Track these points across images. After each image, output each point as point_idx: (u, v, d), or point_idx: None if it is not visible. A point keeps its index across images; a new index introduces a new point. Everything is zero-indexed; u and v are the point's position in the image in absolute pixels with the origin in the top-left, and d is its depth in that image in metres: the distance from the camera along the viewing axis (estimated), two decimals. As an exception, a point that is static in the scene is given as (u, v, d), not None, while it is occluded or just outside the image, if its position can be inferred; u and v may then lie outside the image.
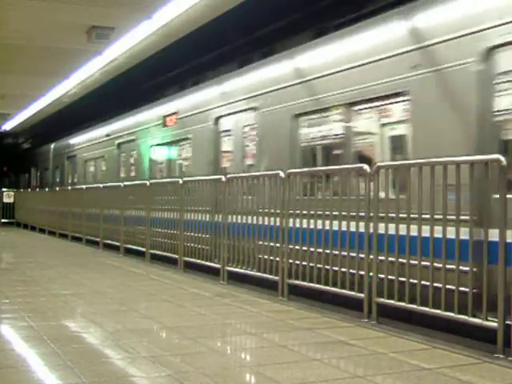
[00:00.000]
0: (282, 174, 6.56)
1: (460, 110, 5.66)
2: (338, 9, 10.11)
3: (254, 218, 7.00)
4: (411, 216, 4.91)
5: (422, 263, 4.76)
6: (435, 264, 4.64)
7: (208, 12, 10.70)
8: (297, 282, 6.27)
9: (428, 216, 4.70)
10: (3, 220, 22.72)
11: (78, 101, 19.24)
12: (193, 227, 8.57)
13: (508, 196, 4.16)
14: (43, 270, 8.92)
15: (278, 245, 6.40)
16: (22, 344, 4.43)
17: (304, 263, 6.17)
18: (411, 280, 4.85)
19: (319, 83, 7.70)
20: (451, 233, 4.49)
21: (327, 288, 5.82)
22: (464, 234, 4.42)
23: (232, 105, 9.80)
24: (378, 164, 5.33)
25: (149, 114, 13.71)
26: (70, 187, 17.18)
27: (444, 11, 5.99)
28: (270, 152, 8.70)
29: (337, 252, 5.72)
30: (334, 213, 5.76)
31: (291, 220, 6.39)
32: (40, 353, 4.08)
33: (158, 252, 9.69)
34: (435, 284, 4.62)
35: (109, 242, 12.04)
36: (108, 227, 12.18)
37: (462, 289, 4.41)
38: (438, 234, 4.62)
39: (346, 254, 5.62)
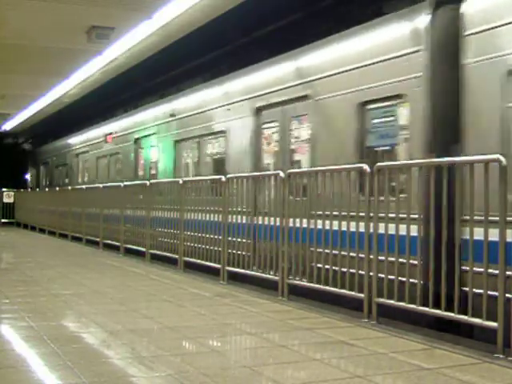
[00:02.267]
0: (282, 174, 6.57)
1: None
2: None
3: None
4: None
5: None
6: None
7: (208, 12, 10.70)
8: (297, 282, 6.27)
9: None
10: (3, 220, 22.71)
11: (79, 100, 19.19)
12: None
13: None
14: (43, 269, 8.92)
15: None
16: (22, 344, 4.43)
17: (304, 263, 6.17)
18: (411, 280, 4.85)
19: None
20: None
21: (327, 288, 5.82)
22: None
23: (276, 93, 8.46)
24: (378, 164, 5.33)
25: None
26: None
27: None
28: (326, 146, 7.39)
29: (337, 252, 5.72)
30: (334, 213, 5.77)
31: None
32: (40, 353, 4.08)
33: (157, 252, 9.69)
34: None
35: (109, 241, 12.04)
36: (108, 227, 12.18)
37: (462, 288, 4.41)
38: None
39: (345, 253, 5.62)
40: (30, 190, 24.95)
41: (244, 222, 7.32)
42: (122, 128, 15.09)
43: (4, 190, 23.62)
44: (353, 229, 5.54)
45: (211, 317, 5.44)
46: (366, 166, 5.41)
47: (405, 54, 6.30)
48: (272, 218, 6.75)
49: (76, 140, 19.87)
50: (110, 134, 15.80)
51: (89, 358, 3.98)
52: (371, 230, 5.21)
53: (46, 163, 24.03)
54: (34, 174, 26.37)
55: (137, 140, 13.94)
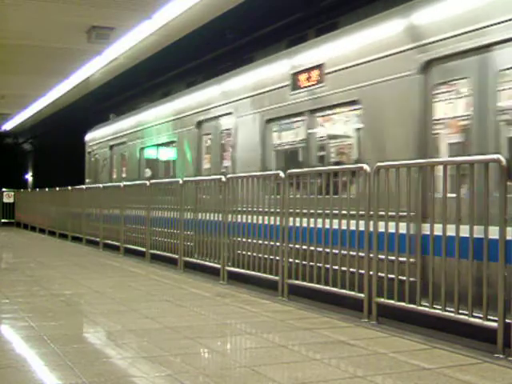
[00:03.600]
0: (281, 174, 6.57)
1: None
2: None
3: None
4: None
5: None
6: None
7: (208, 12, 10.72)
8: (297, 282, 6.27)
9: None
10: (3, 220, 22.72)
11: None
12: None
13: None
14: (43, 270, 8.92)
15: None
16: (22, 344, 4.43)
17: (304, 262, 6.17)
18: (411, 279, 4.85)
19: None
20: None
21: (327, 288, 5.82)
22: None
23: None
24: (378, 164, 5.33)
25: None
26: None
27: None
28: None
29: (336, 251, 5.72)
30: (334, 211, 5.77)
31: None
32: (40, 353, 4.08)
33: (157, 252, 9.68)
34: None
35: (109, 241, 12.04)
36: (110, 227, 12.17)
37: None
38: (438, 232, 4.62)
39: (345, 253, 5.62)
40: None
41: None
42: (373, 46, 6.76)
43: (4, 190, 23.66)
44: (353, 227, 5.55)
45: (211, 317, 5.44)
46: (366, 166, 5.42)
47: None
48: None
49: (197, 97, 11.11)
50: (317, 67, 7.46)
51: (89, 358, 3.98)
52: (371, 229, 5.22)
53: (119, 145, 15.17)
54: (90, 164, 17.70)
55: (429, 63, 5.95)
